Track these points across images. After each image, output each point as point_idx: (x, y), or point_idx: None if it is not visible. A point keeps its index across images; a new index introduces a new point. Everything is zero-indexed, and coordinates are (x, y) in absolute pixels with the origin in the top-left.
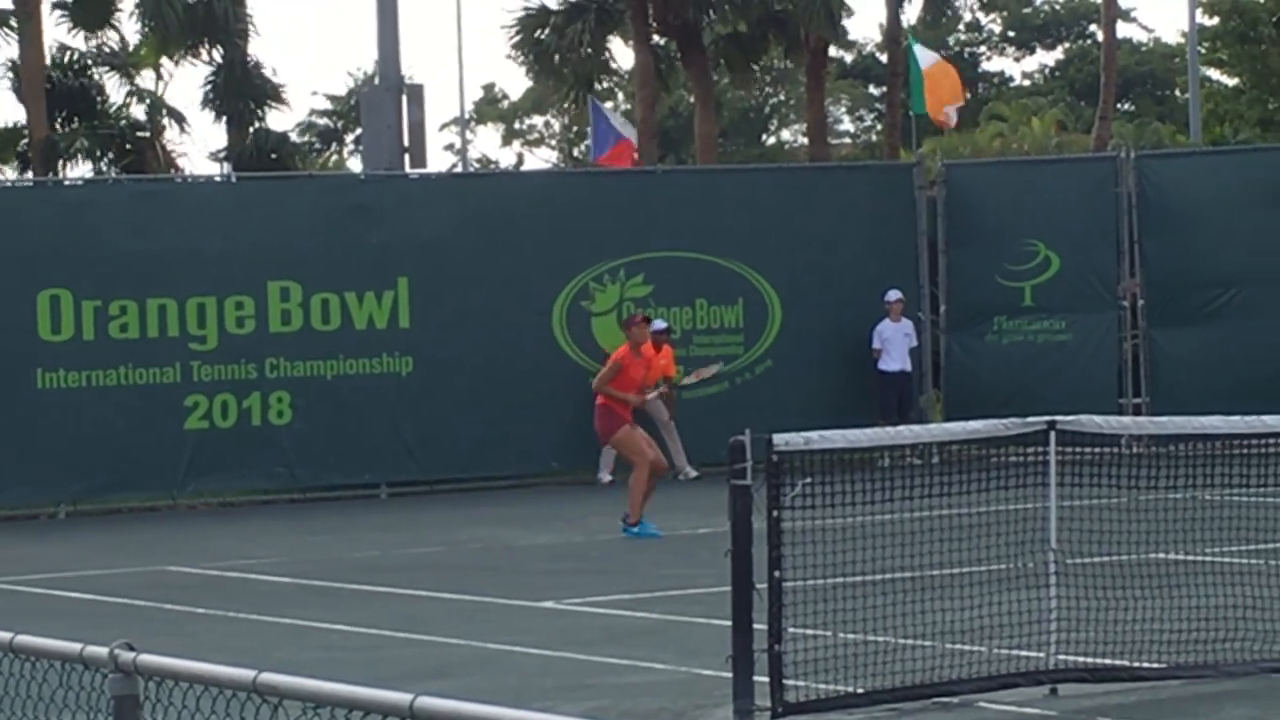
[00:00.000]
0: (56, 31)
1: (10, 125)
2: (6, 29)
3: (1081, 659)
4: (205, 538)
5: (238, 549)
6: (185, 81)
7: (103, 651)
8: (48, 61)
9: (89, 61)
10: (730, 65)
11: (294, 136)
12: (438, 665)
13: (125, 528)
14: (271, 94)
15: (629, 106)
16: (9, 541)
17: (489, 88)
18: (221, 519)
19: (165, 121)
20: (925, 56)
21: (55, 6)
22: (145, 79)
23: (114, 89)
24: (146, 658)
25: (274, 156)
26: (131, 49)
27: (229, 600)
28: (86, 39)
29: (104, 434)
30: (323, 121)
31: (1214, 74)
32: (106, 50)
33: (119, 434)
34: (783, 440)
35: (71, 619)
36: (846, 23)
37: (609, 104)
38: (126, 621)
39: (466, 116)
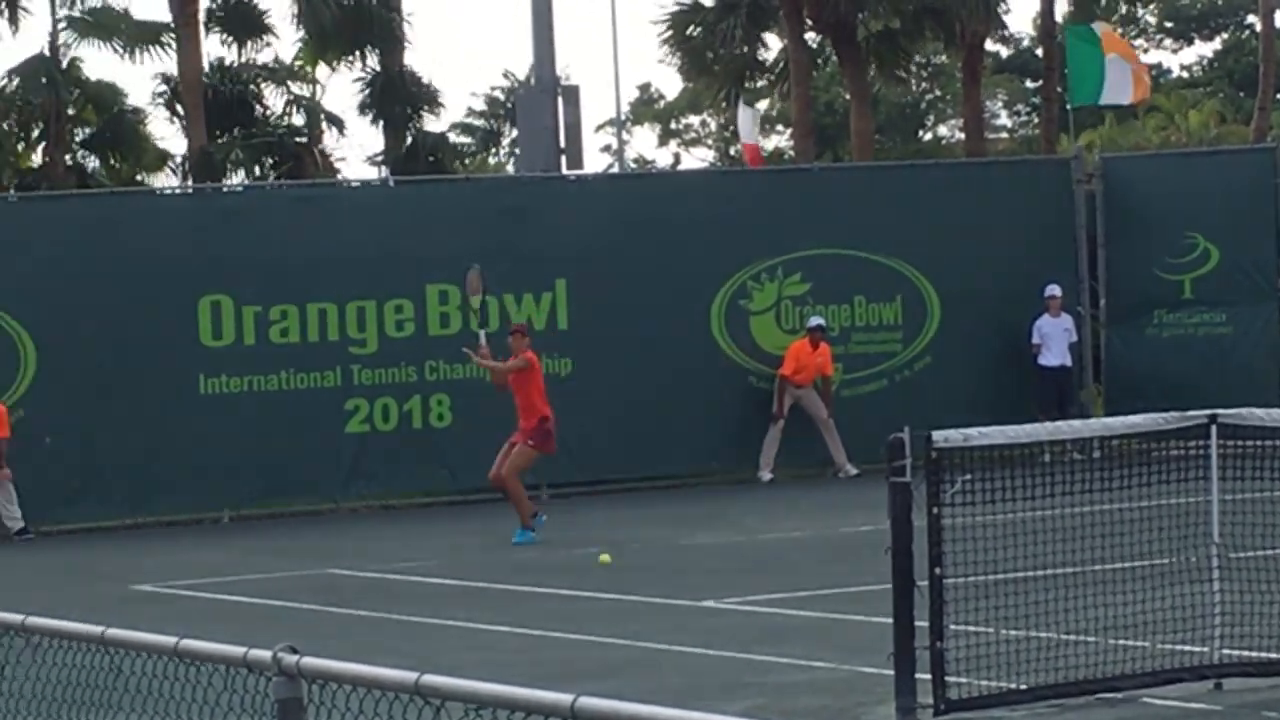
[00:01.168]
0: (211, 43)
1: (168, 138)
2: (160, 43)
3: (1246, 653)
4: (366, 541)
5: (399, 551)
6: (341, 87)
7: (266, 655)
8: (205, 72)
9: (246, 71)
10: (883, 61)
11: (451, 138)
12: (598, 665)
13: (287, 532)
14: (427, 98)
15: (784, 104)
16: (172, 546)
17: (644, 88)
18: (383, 522)
19: (323, 127)
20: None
21: (209, 17)
22: (302, 86)
23: (271, 97)
24: (310, 661)
25: (431, 159)
26: (289, 58)
27: (390, 602)
28: (241, 48)
29: (266, 438)
30: (479, 123)
31: None
32: (263, 65)
33: (280, 438)
34: (942, 437)
35: (234, 623)
36: (1003, 16)
37: (763, 103)
38: (289, 625)
39: (622, 117)
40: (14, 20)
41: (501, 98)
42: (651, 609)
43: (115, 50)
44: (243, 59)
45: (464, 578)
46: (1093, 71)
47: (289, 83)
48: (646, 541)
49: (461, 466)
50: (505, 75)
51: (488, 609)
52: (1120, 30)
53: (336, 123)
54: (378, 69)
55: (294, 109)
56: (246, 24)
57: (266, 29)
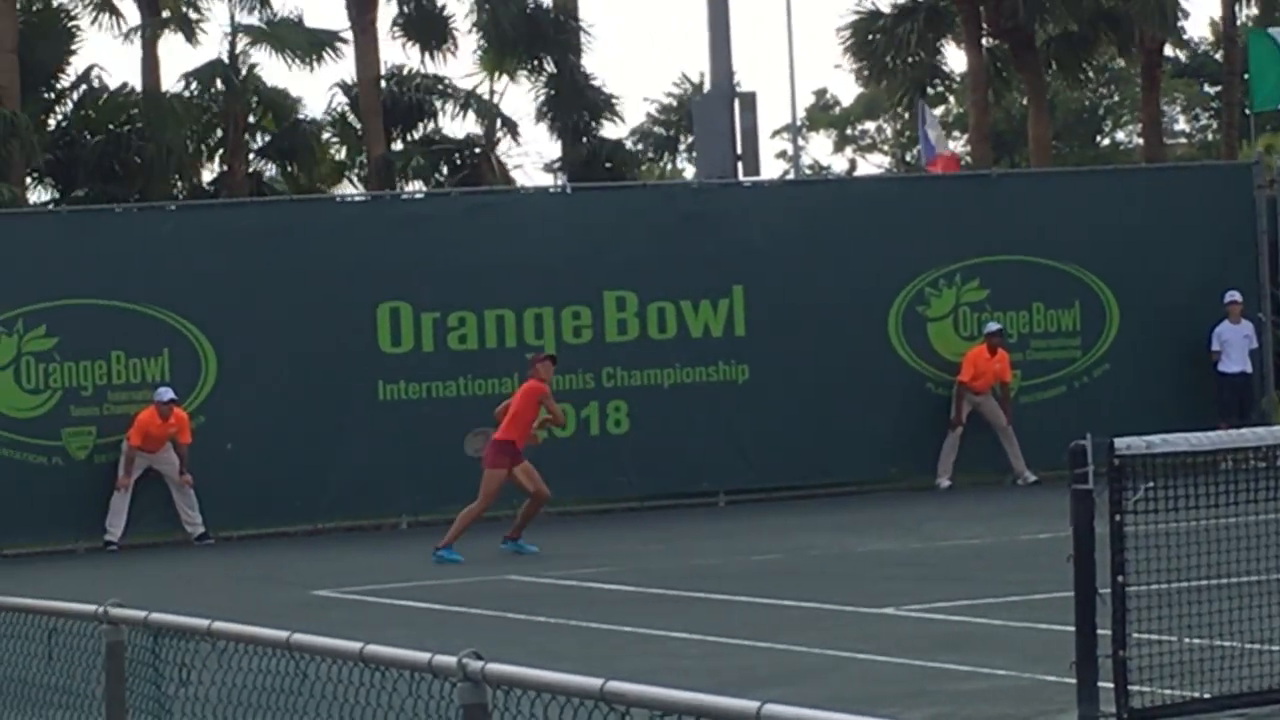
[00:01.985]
0: (391, 49)
1: (346, 147)
2: (334, 50)
3: None
4: (545, 547)
5: (578, 558)
6: (519, 95)
7: (451, 661)
8: (383, 79)
9: (424, 79)
10: (1061, 65)
11: (628, 144)
12: (779, 672)
13: (466, 538)
14: (604, 105)
15: (961, 110)
16: (353, 552)
17: (820, 93)
18: (561, 528)
19: (500, 134)
20: None
21: (393, 24)
22: (480, 92)
23: (449, 104)
24: (494, 667)
25: (608, 166)
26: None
27: (570, 609)
28: (423, 54)
29: (444, 444)
30: (656, 129)
31: None
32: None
33: (459, 444)
34: (1124, 444)
35: (414, 628)
36: (1181, 22)
37: (940, 108)
38: (471, 631)
39: (798, 123)
40: (190, 36)
41: (678, 104)
42: (830, 615)
43: (286, 61)
44: (423, 66)
45: (642, 584)
46: (1275, 75)
47: (468, 89)
48: (824, 548)
49: (638, 473)
50: (680, 82)
51: (666, 615)
52: None
53: (512, 127)
54: (555, 75)
55: (472, 116)
56: (430, 29)
57: (449, 35)
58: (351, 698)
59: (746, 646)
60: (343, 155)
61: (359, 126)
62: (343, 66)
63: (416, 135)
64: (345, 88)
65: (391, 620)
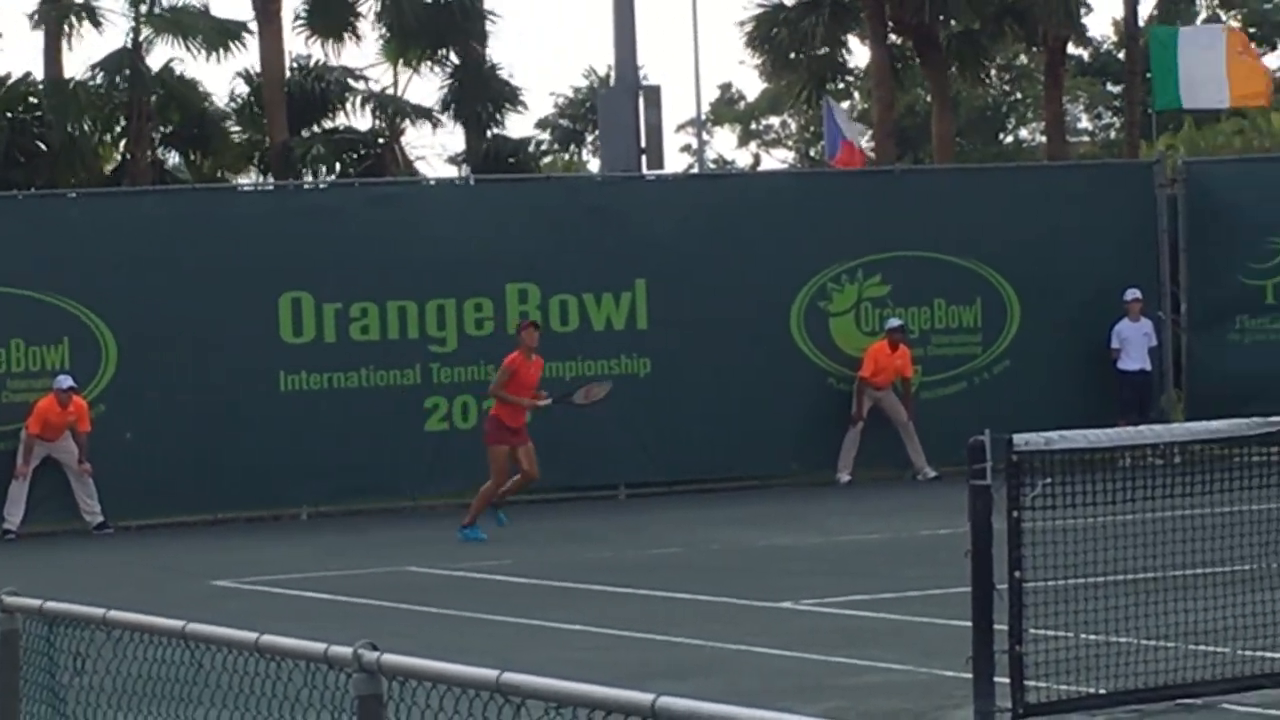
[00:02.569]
0: (294, 41)
1: (248, 137)
2: (239, 40)
3: None
4: (445, 539)
5: (477, 550)
6: (423, 86)
7: (347, 651)
8: (287, 69)
9: (327, 70)
10: (963, 63)
11: (533, 137)
12: (677, 665)
13: (366, 529)
14: (509, 97)
15: (865, 106)
16: (252, 543)
17: (725, 88)
18: (461, 520)
19: (404, 125)
20: (1199, 37)
21: (296, 17)
22: (383, 83)
23: (352, 95)
24: (390, 657)
25: (512, 160)
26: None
27: (469, 601)
28: (324, 45)
29: (345, 436)
30: (561, 122)
31: None
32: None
33: (360, 436)
34: (1023, 440)
35: (314, 619)
36: (1084, 19)
37: (844, 104)
38: (368, 622)
39: (703, 117)
40: (96, 24)
41: (583, 97)
42: (729, 609)
43: (191, 50)
44: (326, 56)
45: (540, 576)
46: (1176, 74)
47: (370, 80)
48: (724, 542)
49: (540, 465)
50: (587, 75)
51: (564, 607)
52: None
53: (424, 115)
54: (460, 67)
55: (375, 107)
56: (332, 20)
57: (352, 26)
58: (247, 688)
59: (644, 639)
60: (246, 145)
61: (263, 116)
62: (249, 56)
63: (320, 126)
64: (248, 77)
65: (289, 611)
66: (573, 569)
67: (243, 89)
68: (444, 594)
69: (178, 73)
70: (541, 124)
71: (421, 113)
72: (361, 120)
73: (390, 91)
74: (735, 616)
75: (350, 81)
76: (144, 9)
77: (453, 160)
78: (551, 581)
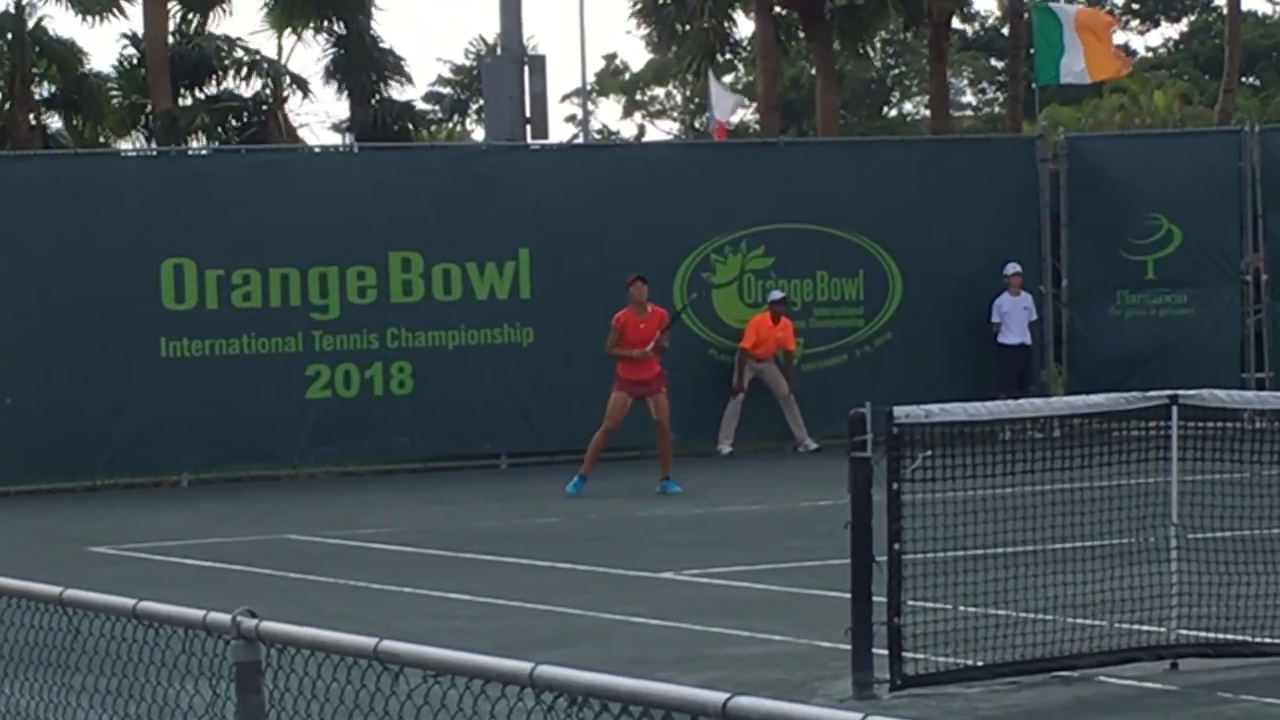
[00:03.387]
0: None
1: (132, 100)
2: (119, 7)
3: (1202, 634)
4: (326, 507)
5: (358, 518)
6: (308, 54)
7: (225, 618)
8: (170, 36)
9: (211, 37)
10: (845, 36)
11: (419, 105)
12: (556, 635)
13: (247, 496)
14: (393, 67)
15: (750, 78)
16: (132, 510)
17: (610, 58)
18: (343, 488)
19: (287, 93)
20: (1067, 14)
21: None
22: (267, 51)
23: (236, 61)
24: (269, 625)
25: (396, 128)
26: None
27: (349, 569)
28: (204, 15)
29: (226, 403)
30: (447, 91)
31: None
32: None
33: (241, 403)
34: (903, 413)
35: (193, 587)
36: None
37: (729, 76)
38: (248, 589)
39: (588, 88)
40: None
41: (470, 66)
42: (609, 580)
43: (74, 11)
44: (205, 25)
45: (422, 545)
46: (1059, 50)
47: (254, 47)
48: (604, 512)
49: (421, 434)
50: (473, 44)
51: (445, 576)
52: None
53: (301, 85)
54: (343, 37)
55: (258, 74)
56: None
57: None
58: (125, 655)
59: (524, 609)
60: (129, 110)
61: (146, 81)
62: (135, 22)
63: (204, 92)
64: (134, 40)
65: (169, 578)
66: (454, 538)
67: (129, 51)
68: (324, 562)
69: (51, 32)
70: (430, 97)
71: (305, 82)
72: (246, 87)
73: (274, 59)
74: (616, 586)
75: (234, 49)
76: None
77: (337, 128)
78: (433, 550)
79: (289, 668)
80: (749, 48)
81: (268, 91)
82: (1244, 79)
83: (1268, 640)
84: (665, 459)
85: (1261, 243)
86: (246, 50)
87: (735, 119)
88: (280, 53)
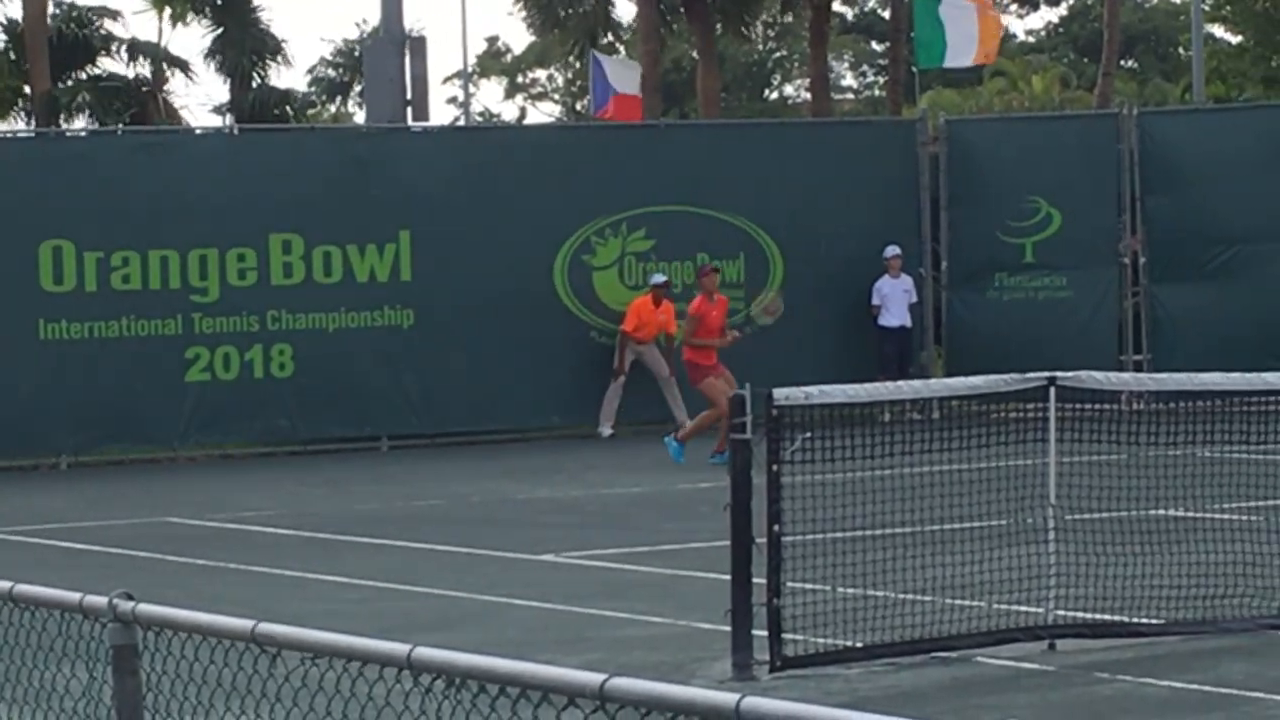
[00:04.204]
0: None
1: (7, 84)
2: None
3: (1080, 614)
4: (206, 490)
5: (238, 501)
6: (188, 35)
7: (102, 601)
8: (50, 16)
9: (92, 16)
10: (727, 20)
11: (302, 87)
12: (436, 617)
13: (126, 479)
14: (273, 49)
15: (632, 60)
16: (10, 492)
17: (492, 40)
18: (222, 471)
19: (168, 74)
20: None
21: None
22: (148, 32)
23: (116, 43)
24: (145, 607)
25: (277, 112)
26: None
27: (229, 552)
28: None
29: (105, 385)
30: (329, 73)
31: (1218, 31)
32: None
33: (120, 386)
34: (782, 395)
35: (71, 569)
36: None
37: (612, 59)
38: (126, 572)
39: (469, 70)
40: None
41: (352, 48)
42: (490, 562)
43: None
44: (87, 4)
45: (302, 528)
46: (939, 35)
47: (134, 29)
48: (487, 495)
49: (301, 417)
50: (361, 24)
51: (327, 560)
52: None
53: (182, 66)
54: (224, 18)
55: (139, 55)
56: None
57: None
58: (0, 637)
59: (405, 591)
60: (7, 91)
61: (24, 63)
62: (12, 7)
63: (84, 74)
64: (7, 26)
65: (46, 561)
66: (335, 520)
67: (1, 36)
68: (204, 545)
69: None
70: (314, 80)
71: (186, 64)
72: (126, 69)
73: (155, 40)
74: (497, 569)
75: (114, 30)
76: None
77: (217, 110)
78: (313, 533)
79: (166, 650)
80: (631, 30)
81: (148, 73)
82: (1122, 63)
83: (1144, 621)
84: (722, 434)
85: (1139, 225)
86: (128, 30)
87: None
88: (161, 34)
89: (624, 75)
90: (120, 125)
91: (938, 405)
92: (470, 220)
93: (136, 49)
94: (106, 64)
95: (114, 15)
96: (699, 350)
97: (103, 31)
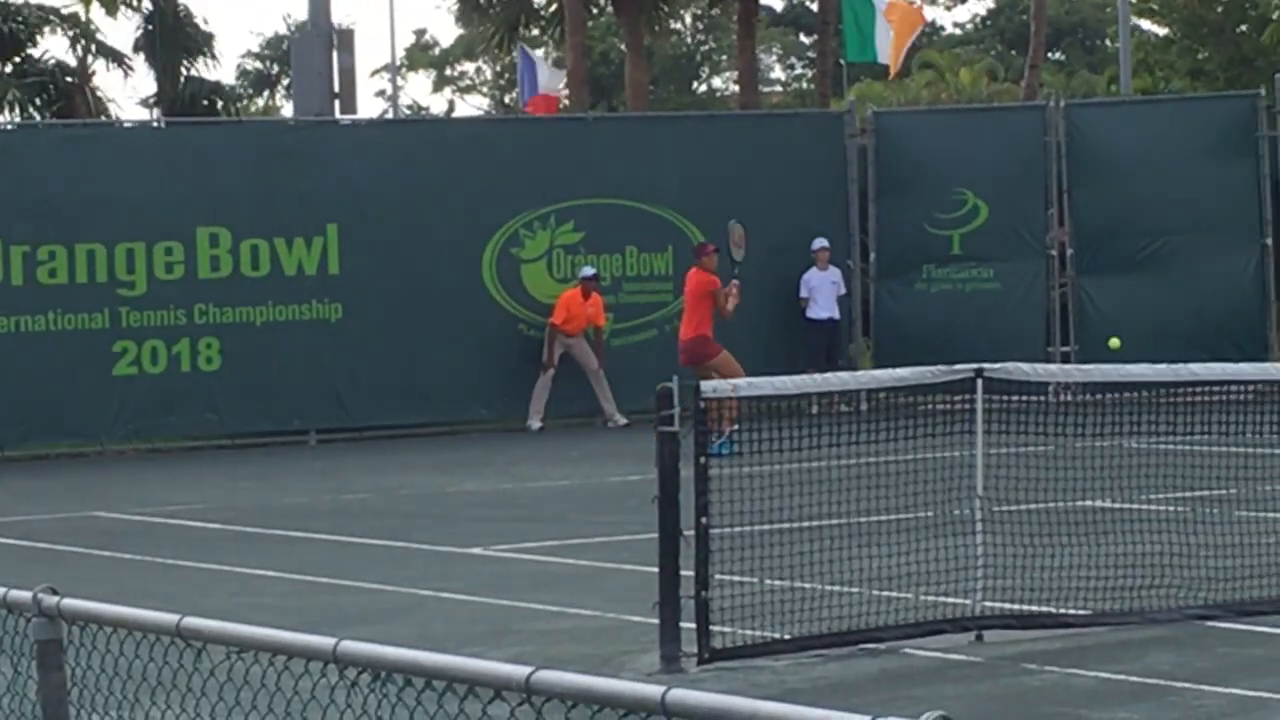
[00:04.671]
0: None
1: None
2: None
3: (1007, 606)
4: (133, 484)
5: (165, 495)
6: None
7: (26, 595)
8: None
9: (19, 9)
10: (655, 12)
11: (230, 79)
12: (364, 611)
13: (52, 474)
14: (202, 43)
15: (559, 53)
16: None
17: (420, 33)
18: (149, 465)
19: (94, 67)
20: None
21: None
22: (75, 25)
23: (44, 35)
24: (70, 602)
25: (206, 104)
26: None
27: (156, 546)
28: None
29: (32, 380)
30: (257, 66)
31: (1144, 23)
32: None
33: (47, 380)
34: (710, 387)
35: None
36: None
37: (538, 51)
38: (52, 567)
39: (397, 63)
40: None
41: (280, 40)
42: (419, 555)
43: None
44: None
45: (230, 522)
46: (868, 28)
47: (62, 21)
48: (415, 488)
49: (229, 410)
50: (286, 19)
51: (254, 554)
52: None
53: (116, 57)
54: (153, 10)
55: (67, 47)
56: None
57: None
58: None
59: (334, 585)
60: None
61: None
62: None
63: (10, 64)
64: None
65: None
66: (262, 514)
67: None
68: (131, 539)
69: None
70: (242, 74)
71: (114, 55)
72: (52, 61)
73: (83, 33)
74: (425, 562)
75: (42, 22)
76: None
77: (144, 103)
78: (241, 527)
79: (91, 645)
80: (558, 22)
81: (75, 66)
82: (1049, 55)
83: (1072, 612)
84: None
85: (1066, 217)
86: (55, 21)
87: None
88: (89, 25)
89: (551, 77)
90: (45, 118)
91: (865, 397)
92: (399, 213)
93: (64, 40)
94: (33, 54)
95: (46, 14)
96: (702, 324)
97: (28, 24)
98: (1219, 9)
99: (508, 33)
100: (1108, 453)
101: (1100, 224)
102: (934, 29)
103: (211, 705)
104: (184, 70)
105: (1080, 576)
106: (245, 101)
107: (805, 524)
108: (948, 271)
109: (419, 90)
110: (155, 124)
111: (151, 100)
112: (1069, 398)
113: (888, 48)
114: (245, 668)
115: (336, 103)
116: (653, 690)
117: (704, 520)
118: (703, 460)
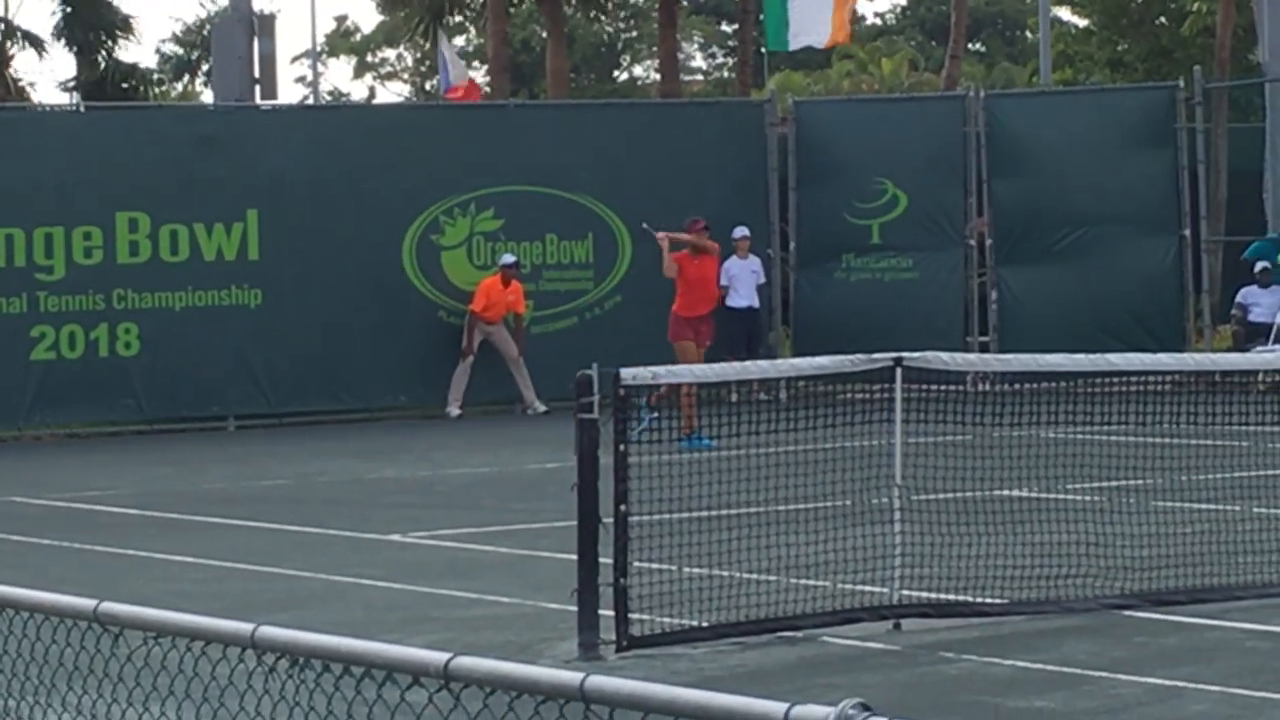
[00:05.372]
0: None
1: None
2: None
3: (925, 594)
4: (50, 469)
5: (83, 481)
6: (34, 10)
7: None
8: None
9: None
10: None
11: (150, 65)
12: (283, 597)
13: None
14: (121, 25)
15: (481, 40)
16: None
17: (341, 20)
18: (67, 451)
19: (13, 50)
20: None
21: None
22: None
23: None
24: None
25: (124, 87)
26: None
27: (74, 532)
28: None
29: None
30: (176, 50)
31: (1065, 15)
32: None
33: None
34: (630, 374)
35: None
36: None
37: (460, 38)
38: None
39: (318, 49)
40: None
41: (200, 25)
42: (337, 541)
43: None
44: None
45: (149, 508)
46: (787, 16)
47: None
48: (333, 474)
49: (148, 396)
50: (202, 4)
51: (172, 540)
52: None
53: (34, 41)
54: None
55: None
56: None
57: None
58: None
59: (251, 571)
60: None
61: None
62: None
63: None
64: None
65: None
66: (180, 500)
67: None
68: (48, 525)
69: None
70: (162, 59)
71: (31, 38)
72: None
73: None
74: (343, 549)
75: None
76: None
77: (63, 87)
78: (158, 512)
79: (7, 630)
80: (479, 9)
81: None
82: (970, 46)
83: (989, 601)
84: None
85: (985, 208)
86: None
87: (465, 80)
88: (7, 8)
89: (458, 64)
90: None
91: (785, 386)
92: (318, 199)
93: None
94: None
95: None
96: (683, 299)
97: None
98: (1138, 1)
99: (431, 20)
100: (1026, 442)
101: (1019, 214)
102: (856, 19)
103: (129, 690)
104: (104, 53)
105: (997, 566)
106: (165, 87)
107: (724, 512)
108: (867, 261)
109: (340, 77)
110: (75, 108)
111: (70, 84)
112: (987, 387)
113: (820, 26)
114: (163, 653)
115: (257, 88)
116: (571, 677)
117: (623, 508)
118: (622, 447)
